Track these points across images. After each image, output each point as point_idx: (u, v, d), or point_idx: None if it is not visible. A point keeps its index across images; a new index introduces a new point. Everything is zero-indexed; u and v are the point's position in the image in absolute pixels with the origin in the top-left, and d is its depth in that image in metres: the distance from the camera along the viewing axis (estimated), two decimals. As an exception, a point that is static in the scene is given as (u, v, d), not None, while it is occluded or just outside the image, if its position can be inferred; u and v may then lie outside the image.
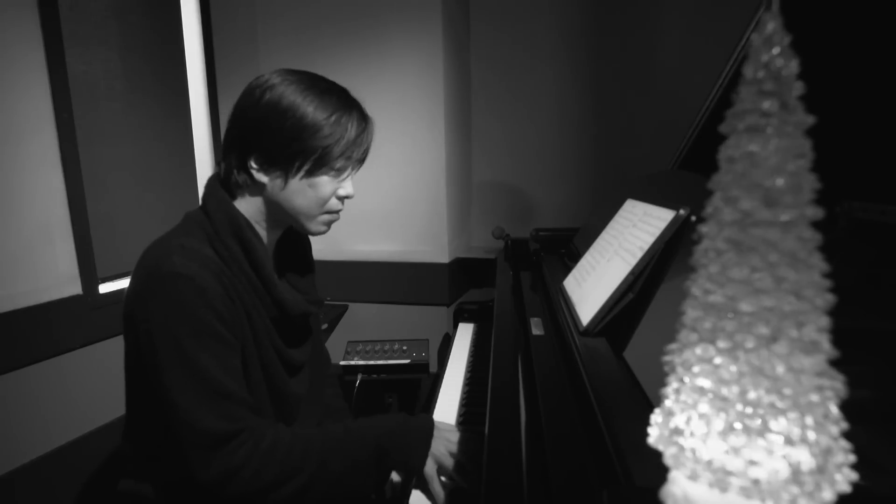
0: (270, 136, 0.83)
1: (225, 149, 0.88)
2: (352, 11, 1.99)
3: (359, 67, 2.01)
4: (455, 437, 0.88)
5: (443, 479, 0.85)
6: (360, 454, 0.83)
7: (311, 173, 0.85)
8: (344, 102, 0.86)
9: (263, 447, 0.79)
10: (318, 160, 0.84)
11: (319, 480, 0.80)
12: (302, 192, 0.86)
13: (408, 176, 2.04)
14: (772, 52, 0.29)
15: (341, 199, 0.91)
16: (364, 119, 0.89)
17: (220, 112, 2.15)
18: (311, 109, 0.82)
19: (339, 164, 0.86)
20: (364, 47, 2.00)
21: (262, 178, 0.85)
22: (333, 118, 0.84)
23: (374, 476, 0.84)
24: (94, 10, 1.62)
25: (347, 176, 0.90)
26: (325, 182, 0.87)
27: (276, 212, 0.89)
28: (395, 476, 0.90)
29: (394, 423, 0.88)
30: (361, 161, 0.92)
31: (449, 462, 0.84)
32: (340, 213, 0.92)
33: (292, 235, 1.01)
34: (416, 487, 0.85)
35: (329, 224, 0.92)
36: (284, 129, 0.82)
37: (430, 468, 0.84)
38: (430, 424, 0.88)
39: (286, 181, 0.85)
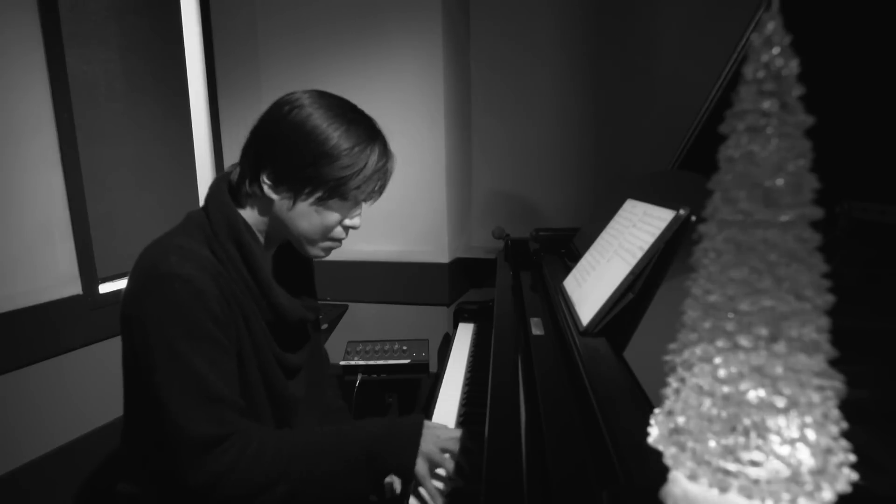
0: (288, 155, 0.82)
1: (242, 157, 0.88)
2: (352, 11, 1.99)
3: (359, 67, 2.01)
4: (445, 433, 0.87)
5: (438, 471, 0.84)
6: (348, 458, 0.82)
7: (321, 201, 0.84)
8: (369, 135, 0.85)
9: (250, 451, 0.78)
10: (331, 190, 0.83)
11: (307, 484, 0.80)
12: (308, 216, 0.85)
13: (408, 176, 2.04)
14: (772, 52, 0.29)
15: (346, 228, 0.90)
16: (385, 154, 0.87)
17: (220, 112, 2.15)
18: (334, 137, 0.81)
19: (351, 196, 0.85)
20: (364, 47, 2.00)
21: (271, 194, 0.84)
22: (356, 150, 0.82)
23: (365, 479, 0.83)
24: (94, 10, 1.62)
25: (358, 207, 0.90)
26: (333, 210, 0.86)
27: (279, 228, 0.89)
28: (395, 483, 0.89)
29: (382, 425, 0.87)
30: (379, 193, 0.91)
31: (440, 459, 0.84)
32: (342, 241, 0.92)
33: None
34: (414, 493, 0.84)
35: (328, 251, 0.92)
36: (303, 152, 0.81)
37: (421, 467, 0.83)
38: (419, 423, 0.87)
39: (294, 203, 0.84)
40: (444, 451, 0.85)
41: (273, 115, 0.84)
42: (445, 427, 0.90)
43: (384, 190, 0.91)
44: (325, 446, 0.83)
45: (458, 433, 0.88)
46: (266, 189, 0.84)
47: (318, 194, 0.84)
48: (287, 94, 0.85)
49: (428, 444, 0.85)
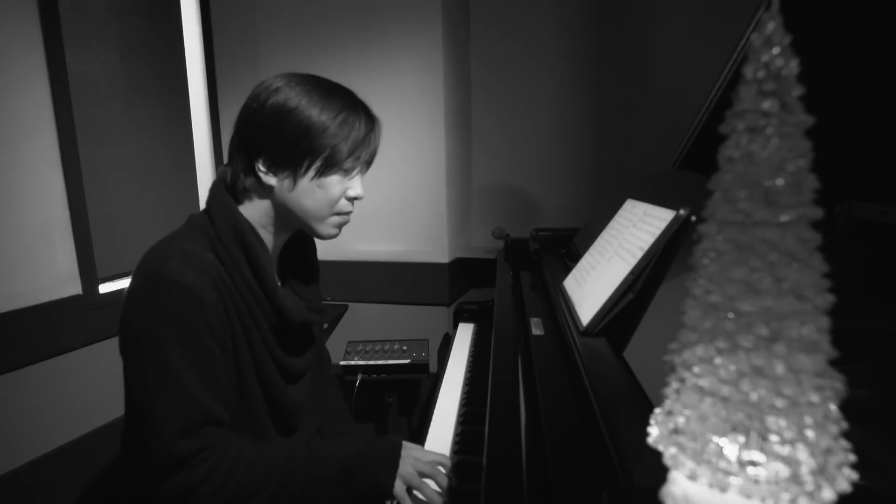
0: (278, 137, 0.82)
1: (231, 153, 0.88)
2: (352, 11, 1.99)
3: (359, 67, 2.01)
4: (424, 456, 0.86)
5: (417, 494, 0.84)
6: (323, 476, 0.82)
7: (320, 173, 0.84)
8: (350, 102, 0.86)
9: (224, 465, 0.77)
10: (328, 160, 0.84)
11: (279, 500, 0.79)
12: (311, 193, 0.85)
13: (408, 176, 2.04)
14: (772, 52, 0.29)
15: (351, 200, 0.90)
16: (371, 119, 0.88)
17: (220, 112, 2.15)
18: (317, 110, 0.82)
19: (347, 165, 0.86)
20: (364, 47, 2.00)
21: (270, 180, 0.84)
22: (340, 117, 0.83)
23: (341, 498, 0.82)
24: (94, 10, 1.62)
25: (355, 176, 0.89)
26: (333, 182, 0.86)
27: (285, 215, 0.88)
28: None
29: (361, 445, 0.86)
30: (369, 163, 0.91)
31: (417, 482, 0.83)
32: (350, 214, 0.92)
33: (299, 240, 1.00)
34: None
35: (340, 227, 0.92)
36: (292, 130, 0.82)
37: (399, 488, 0.82)
38: (398, 445, 0.87)
39: (295, 182, 0.84)
40: (421, 474, 0.84)
41: (253, 106, 0.84)
42: (423, 449, 0.90)
43: (374, 157, 0.91)
44: (299, 464, 0.82)
45: (436, 456, 0.87)
46: (263, 176, 0.84)
47: (317, 166, 0.84)
48: (260, 83, 0.85)
49: (406, 466, 0.84)
